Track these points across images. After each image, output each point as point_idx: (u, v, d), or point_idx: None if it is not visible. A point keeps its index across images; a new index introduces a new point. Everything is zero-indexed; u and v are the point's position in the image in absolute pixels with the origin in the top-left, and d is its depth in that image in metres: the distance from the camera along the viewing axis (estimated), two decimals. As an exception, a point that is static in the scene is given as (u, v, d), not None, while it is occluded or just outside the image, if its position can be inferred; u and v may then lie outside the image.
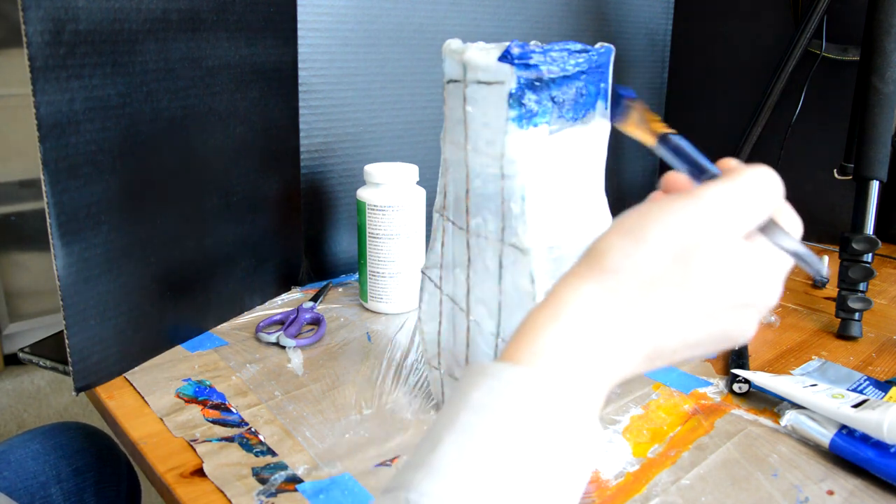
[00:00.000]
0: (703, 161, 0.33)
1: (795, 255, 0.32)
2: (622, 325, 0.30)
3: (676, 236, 0.30)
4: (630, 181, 1.20)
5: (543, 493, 0.27)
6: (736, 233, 0.30)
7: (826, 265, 0.33)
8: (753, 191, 0.31)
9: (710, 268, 0.30)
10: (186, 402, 0.57)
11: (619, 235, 0.31)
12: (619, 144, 1.16)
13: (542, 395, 0.28)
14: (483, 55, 0.43)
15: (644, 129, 0.37)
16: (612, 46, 0.48)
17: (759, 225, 0.31)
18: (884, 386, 0.60)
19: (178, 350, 0.66)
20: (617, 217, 0.32)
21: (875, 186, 0.74)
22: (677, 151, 0.34)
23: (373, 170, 0.73)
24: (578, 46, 0.45)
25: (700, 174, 0.33)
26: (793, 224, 0.33)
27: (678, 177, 0.35)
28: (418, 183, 0.75)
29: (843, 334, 0.72)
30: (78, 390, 0.58)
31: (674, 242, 0.30)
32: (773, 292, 0.32)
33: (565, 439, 0.28)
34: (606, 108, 0.49)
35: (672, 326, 0.30)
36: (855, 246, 0.72)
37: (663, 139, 0.35)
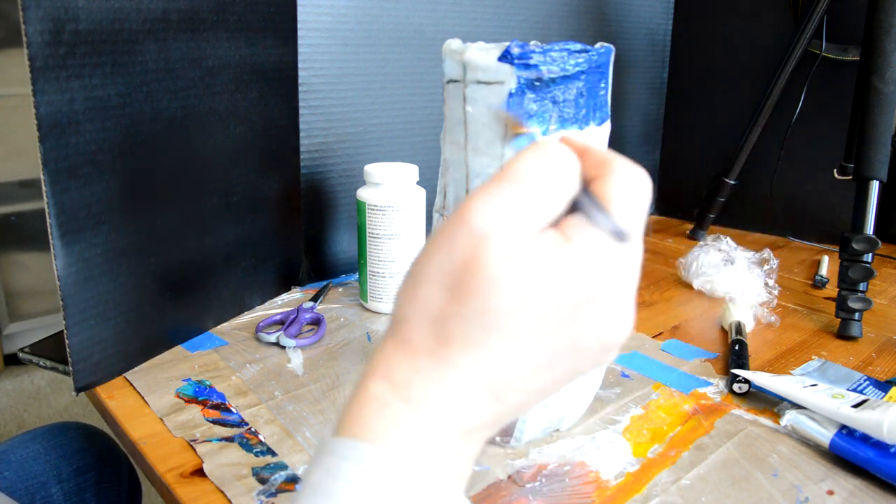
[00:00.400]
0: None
1: (615, 233, 0.26)
2: (425, 375, 0.26)
3: (447, 258, 0.26)
4: (630, 181, 1.20)
5: None
6: (511, 228, 0.25)
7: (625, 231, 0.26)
8: (520, 172, 0.26)
9: (494, 279, 0.25)
10: (186, 402, 0.57)
11: (403, 282, 0.28)
12: (619, 145, 1.17)
13: (369, 467, 0.25)
14: (483, 55, 0.43)
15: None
16: (612, 46, 0.48)
17: (574, 204, 0.26)
18: (884, 386, 0.60)
19: (178, 350, 0.66)
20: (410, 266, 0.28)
21: (875, 186, 0.74)
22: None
23: (373, 170, 0.73)
24: (578, 46, 0.45)
25: None
26: (634, 191, 0.27)
27: None
28: (418, 183, 0.75)
29: (843, 334, 0.72)
30: (78, 390, 0.58)
31: (445, 266, 0.26)
32: (613, 281, 0.26)
33: None
34: (607, 111, 0.49)
35: (491, 355, 0.26)
36: (855, 246, 0.72)
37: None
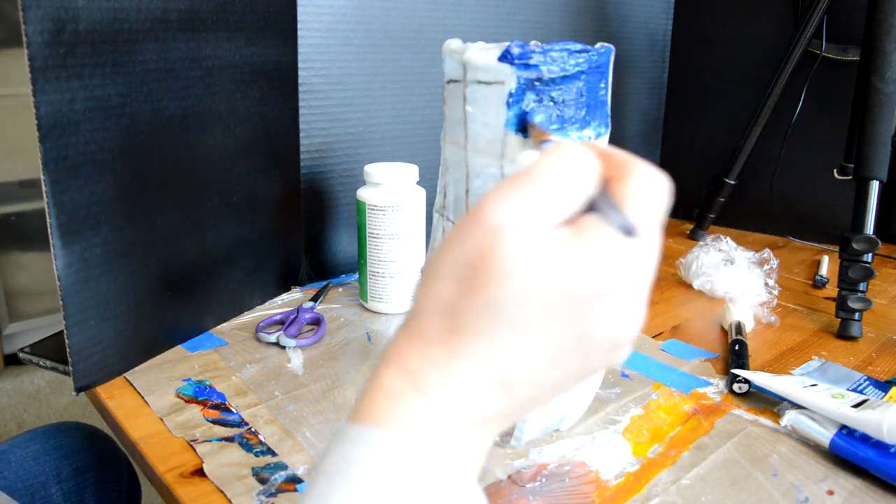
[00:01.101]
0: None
1: (624, 228, 0.26)
2: (436, 364, 0.27)
3: (461, 252, 0.26)
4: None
5: None
6: (526, 223, 0.26)
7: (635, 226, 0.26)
8: (539, 172, 0.26)
9: (506, 271, 0.26)
10: (186, 402, 0.57)
11: (420, 277, 0.29)
12: (619, 145, 1.16)
13: (383, 451, 0.26)
14: (483, 55, 0.43)
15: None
16: (612, 46, 0.48)
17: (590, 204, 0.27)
18: (884, 386, 0.60)
19: (178, 350, 0.66)
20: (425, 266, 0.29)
21: (875, 186, 0.74)
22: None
23: (373, 170, 0.73)
24: (578, 46, 0.45)
25: None
26: (651, 192, 0.27)
27: None
28: (418, 183, 0.75)
29: (843, 334, 0.72)
30: (78, 390, 0.58)
31: (460, 260, 0.26)
32: (623, 277, 0.26)
33: (418, 492, 0.25)
34: (607, 111, 0.49)
35: (499, 346, 0.26)
36: (855, 246, 0.72)
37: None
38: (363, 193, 0.73)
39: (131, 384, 0.59)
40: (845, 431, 0.50)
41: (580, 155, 0.27)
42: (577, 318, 0.26)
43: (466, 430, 0.27)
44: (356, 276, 0.88)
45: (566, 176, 0.26)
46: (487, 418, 0.27)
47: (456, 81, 0.46)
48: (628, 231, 0.26)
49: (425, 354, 0.27)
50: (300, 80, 0.78)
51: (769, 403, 0.58)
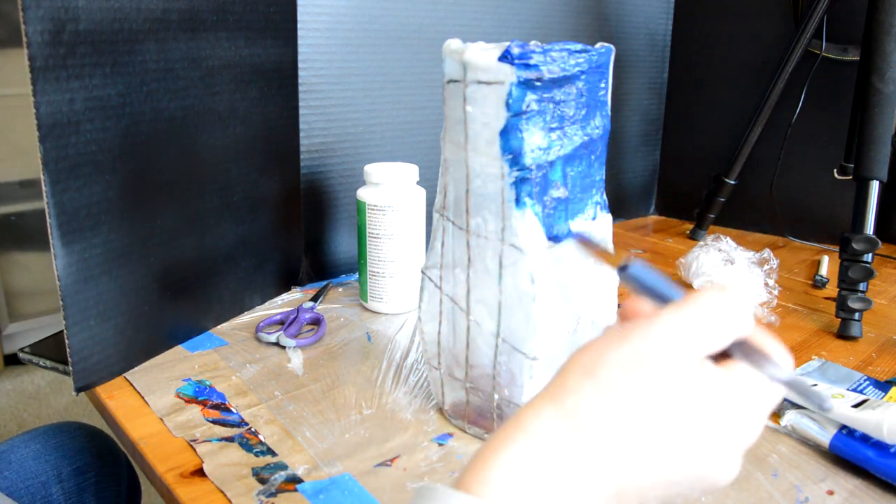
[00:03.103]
0: (664, 288, 0.32)
1: (789, 384, 0.30)
2: (580, 460, 0.28)
3: (630, 372, 0.28)
4: (630, 181, 1.20)
5: None
6: (694, 358, 0.29)
7: (830, 398, 0.32)
8: (709, 312, 0.29)
9: (670, 400, 0.28)
10: (186, 402, 0.57)
11: (576, 375, 0.30)
12: (619, 144, 1.17)
13: None
14: (483, 55, 0.43)
15: (602, 258, 0.36)
16: (612, 46, 0.48)
17: (737, 349, 0.30)
18: (884, 386, 0.60)
19: (178, 350, 0.66)
20: (578, 350, 0.31)
21: (875, 186, 0.74)
22: (636, 280, 0.32)
23: (373, 170, 0.73)
24: (578, 46, 0.45)
25: (663, 301, 0.32)
26: (781, 355, 0.31)
27: (638, 304, 0.33)
28: (418, 183, 0.75)
29: (843, 334, 0.72)
30: (78, 390, 0.58)
31: (628, 379, 0.28)
32: (752, 424, 0.30)
33: None
34: (607, 111, 0.49)
35: (637, 465, 0.28)
36: (855, 246, 0.72)
37: (622, 269, 0.33)
38: (363, 193, 0.73)
39: (131, 384, 0.59)
40: (845, 431, 0.50)
41: (741, 303, 0.30)
42: (708, 458, 0.29)
43: None
44: (356, 276, 0.88)
45: (731, 318, 0.30)
46: None
47: (456, 81, 0.46)
48: (826, 408, 0.31)
49: (571, 446, 0.28)
50: (300, 80, 0.78)
51: (769, 403, 0.58)
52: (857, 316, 0.72)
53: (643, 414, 0.28)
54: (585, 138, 0.47)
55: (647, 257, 1.00)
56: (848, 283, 0.72)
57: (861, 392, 0.58)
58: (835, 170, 0.94)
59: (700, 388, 0.28)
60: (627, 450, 0.28)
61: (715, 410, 0.28)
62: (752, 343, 0.30)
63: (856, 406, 0.51)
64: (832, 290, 0.81)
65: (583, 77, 0.45)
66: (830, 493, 0.47)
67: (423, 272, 0.54)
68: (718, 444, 0.29)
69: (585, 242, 0.37)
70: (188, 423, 0.54)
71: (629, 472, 0.28)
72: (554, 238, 0.46)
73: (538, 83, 0.43)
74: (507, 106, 0.43)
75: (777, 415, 0.56)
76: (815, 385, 0.56)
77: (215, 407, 0.56)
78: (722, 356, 0.30)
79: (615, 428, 0.28)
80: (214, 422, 0.54)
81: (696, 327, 0.29)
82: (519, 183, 0.44)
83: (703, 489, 0.30)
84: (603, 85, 0.48)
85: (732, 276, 0.82)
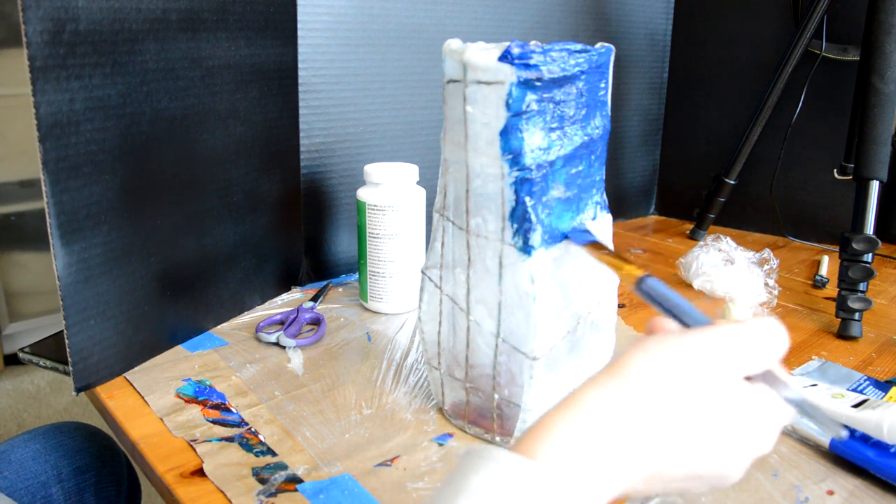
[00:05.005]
0: (686, 306, 0.35)
1: (801, 407, 0.34)
2: (629, 441, 0.31)
3: (688, 374, 0.32)
4: (630, 181, 1.20)
5: None
6: (739, 375, 0.33)
7: (843, 428, 0.35)
8: (762, 336, 0.33)
9: (716, 407, 0.32)
10: (186, 402, 0.57)
11: (644, 353, 0.33)
12: (619, 144, 1.17)
13: (540, 489, 0.28)
14: (483, 55, 0.43)
15: (615, 269, 0.37)
16: (612, 46, 0.48)
17: (761, 373, 0.33)
18: (884, 386, 0.60)
19: (178, 350, 0.66)
20: (645, 340, 0.34)
21: (875, 186, 0.74)
22: (650, 296, 0.35)
23: (373, 170, 0.73)
24: (578, 46, 0.45)
25: (682, 319, 0.35)
26: (790, 382, 0.35)
27: (664, 322, 0.36)
28: (418, 183, 0.75)
29: (843, 334, 0.72)
30: (78, 390, 0.58)
31: (686, 380, 0.32)
32: (768, 439, 0.34)
33: None
34: (607, 111, 0.49)
35: (676, 456, 0.32)
36: (855, 246, 0.72)
37: (638, 284, 0.35)
38: (363, 193, 0.73)
39: (131, 384, 0.59)
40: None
41: (784, 335, 0.34)
42: (728, 460, 0.33)
43: (601, 495, 0.30)
44: (356, 276, 0.88)
45: (776, 346, 0.34)
46: (614, 494, 0.31)
47: (456, 81, 0.46)
48: (841, 437, 0.34)
49: (629, 415, 0.31)
50: (300, 80, 0.78)
51: (769, 403, 0.58)
52: (857, 316, 0.72)
53: (692, 413, 0.31)
54: (585, 138, 0.47)
55: (647, 257, 1.00)
56: (848, 283, 0.72)
57: (861, 392, 0.58)
58: (835, 170, 0.94)
59: (739, 401, 0.32)
60: (672, 441, 0.31)
61: (746, 421, 0.32)
62: (774, 370, 0.34)
63: (856, 406, 0.51)
64: (832, 290, 0.81)
65: (583, 77, 0.45)
66: (830, 493, 0.47)
67: (423, 272, 0.54)
68: (742, 449, 0.33)
69: (597, 248, 0.38)
70: (188, 423, 0.54)
71: (666, 461, 0.31)
72: (554, 238, 0.46)
73: (538, 83, 0.43)
74: (507, 106, 0.43)
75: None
76: (815, 385, 0.56)
77: (215, 407, 0.56)
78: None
79: (667, 420, 0.31)
80: (214, 422, 0.54)
81: (747, 350, 0.33)
82: (519, 183, 0.44)
83: (713, 486, 0.34)
84: (603, 85, 0.48)
85: (732, 276, 0.82)
